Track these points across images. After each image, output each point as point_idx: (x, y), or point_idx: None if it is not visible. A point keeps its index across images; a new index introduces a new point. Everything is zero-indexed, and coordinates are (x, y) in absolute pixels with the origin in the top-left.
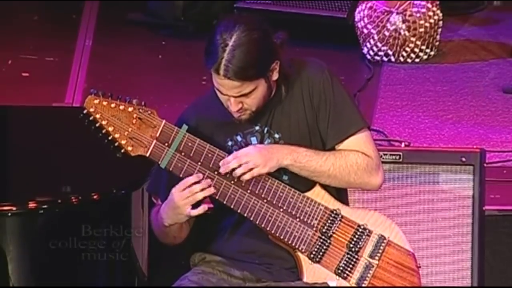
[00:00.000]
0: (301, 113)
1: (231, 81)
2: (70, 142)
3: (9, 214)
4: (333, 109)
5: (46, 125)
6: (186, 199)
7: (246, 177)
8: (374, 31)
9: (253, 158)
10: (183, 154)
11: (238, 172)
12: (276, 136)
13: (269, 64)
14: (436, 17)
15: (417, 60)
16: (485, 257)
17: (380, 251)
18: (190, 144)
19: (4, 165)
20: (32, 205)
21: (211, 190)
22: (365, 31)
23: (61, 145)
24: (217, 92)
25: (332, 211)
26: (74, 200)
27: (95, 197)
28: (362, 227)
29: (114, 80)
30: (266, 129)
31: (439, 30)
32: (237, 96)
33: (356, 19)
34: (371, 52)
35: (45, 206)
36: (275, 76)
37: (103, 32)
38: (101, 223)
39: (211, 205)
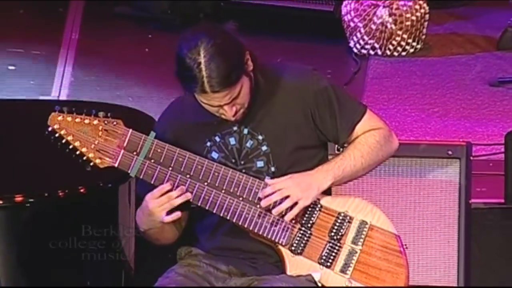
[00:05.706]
0: (289, 116)
1: (220, 92)
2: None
3: None
4: (337, 106)
5: (32, 119)
6: (163, 205)
7: (294, 212)
8: (360, 25)
9: (293, 192)
10: (152, 161)
11: (282, 207)
12: (260, 137)
13: (243, 59)
14: (422, 11)
15: (403, 53)
16: (471, 249)
17: (363, 236)
18: (159, 150)
19: None
20: (18, 198)
21: (188, 195)
22: (352, 24)
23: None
24: (207, 107)
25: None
26: (61, 193)
27: (82, 190)
28: (342, 214)
29: (100, 74)
30: (246, 130)
31: (426, 23)
32: (230, 102)
33: (342, 13)
34: (357, 46)
35: (32, 200)
36: (250, 67)
37: (90, 26)
38: (88, 218)
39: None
